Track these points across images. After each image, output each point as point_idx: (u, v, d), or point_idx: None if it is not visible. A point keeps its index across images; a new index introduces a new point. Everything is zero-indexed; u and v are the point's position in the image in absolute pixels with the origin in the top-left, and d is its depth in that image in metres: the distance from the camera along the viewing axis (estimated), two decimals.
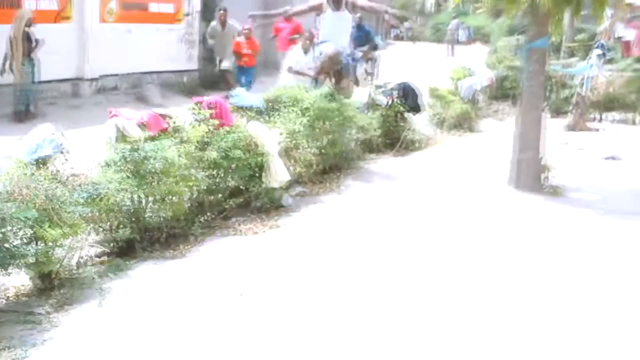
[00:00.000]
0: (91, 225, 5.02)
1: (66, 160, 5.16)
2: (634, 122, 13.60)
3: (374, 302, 4.77)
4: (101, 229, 5.28)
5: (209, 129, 6.28)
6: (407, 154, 9.88)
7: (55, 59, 12.01)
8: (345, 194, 7.61)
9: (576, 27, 17.67)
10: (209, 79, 15.56)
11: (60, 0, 12.81)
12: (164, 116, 6.23)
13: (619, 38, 16.85)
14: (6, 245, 4.26)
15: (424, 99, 10.94)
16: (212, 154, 6.15)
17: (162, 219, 5.67)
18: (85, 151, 5.45)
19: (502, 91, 15.15)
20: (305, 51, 9.63)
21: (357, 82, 8.94)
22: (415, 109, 10.54)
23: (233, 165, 6.44)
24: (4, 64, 10.85)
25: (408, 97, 10.32)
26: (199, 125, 6.26)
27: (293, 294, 4.88)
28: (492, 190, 7.89)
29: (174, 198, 5.67)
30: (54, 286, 4.65)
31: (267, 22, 9.76)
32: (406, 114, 10.28)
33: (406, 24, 45.90)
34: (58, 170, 5.04)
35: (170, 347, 4.03)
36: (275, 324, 4.39)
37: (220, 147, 6.27)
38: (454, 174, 8.66)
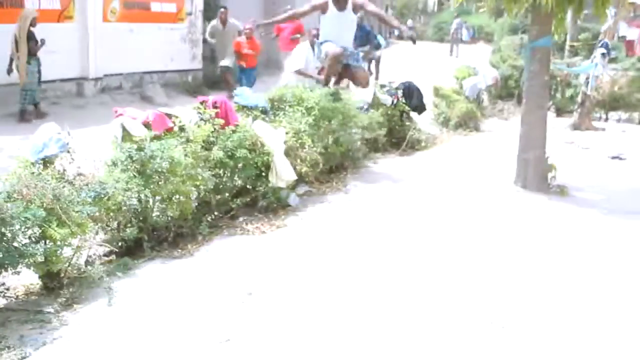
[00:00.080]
0: (98, 224, 5.02)
1: (72, 159, 5.16)
2: (639, 122, 13.61)
3: (381, 301, 4.77)
4: (108, 228, 5.28)
5: (214, 129, 6.28)
6: (412, 154, 9.88)
7: (59, 58, 12.05)
8: (351, 194, 7.61)
9: (579, 26, 17.69)
10: (213, 79, 15.60)
11: (62, 0, 12.83)
12: (169, 115, 6.22)
13: (622, 37, 16.86)
14: (14, 244, 4.26)
15: (425, 99, 10.94)
16: (217, 153, 6.15)
17: (169, 218, 5.67)
18: (90, 150, 5.45)
19: (507, 90, 15.20)
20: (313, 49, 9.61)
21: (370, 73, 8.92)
22: (419, 108, 10.56)
23: (239, 165, 6.44)
24: (10, 64, 10.87)
25: (412, 97, 10.33)
26: (204, 124, 6.26)
27: (302, 293, 4.87)
28: (499, 190, 7.88)
29: (180, 197, 5.67)
30: (62, 285, 4.65)
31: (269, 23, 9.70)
32: (410, 114, 10.29)
33: (409, 23, 45.93)
34: (65, 170, 5.05)
35: (180, 346, 4.03)
36: (285, 323, 4.39)
37: (226, 147, 6.26)
38: (460, 174, 8.66)
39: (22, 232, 4.34)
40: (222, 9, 14.70)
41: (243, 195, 6.58)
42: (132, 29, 14.30)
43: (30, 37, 10.96)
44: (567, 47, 16.91)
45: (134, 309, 4.50)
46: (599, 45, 12.82)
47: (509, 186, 8.02)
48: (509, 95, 15.20)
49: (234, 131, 6.47)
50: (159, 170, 5.41)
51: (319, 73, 9.35)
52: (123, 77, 14.37)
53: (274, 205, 6.78)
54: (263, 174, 6.68)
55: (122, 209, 5.20)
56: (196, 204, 6.03)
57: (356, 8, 8.00)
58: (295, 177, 6.93)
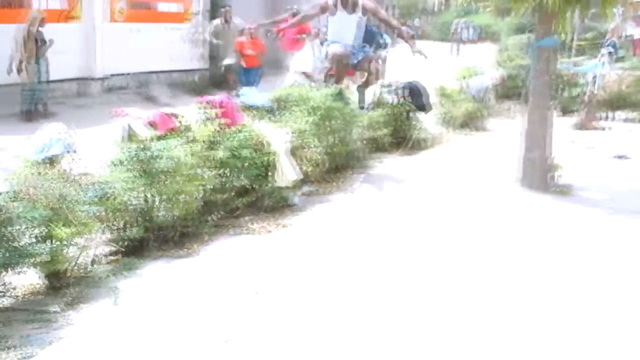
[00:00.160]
0: (104, 224, 5.04)
1: (77, 159, 5.18)
2: None
3: (386, 300, 4.78)
4: (113, 228, 5.30)
5: (218, 128, 6.29)
6: (415, 153, 9.87)
7: (64, 58, 12.09)
8: (355, 193, 7.61)
9: (585, 26, 17.63)
10: (217, 78, 15.61)
11: (69, 0, 12.87)
12: (172, 115, 6.25)
13: (629, 36, 16.82)
14: (20, 244, 4.29)
15: (431, 98, 10.92)
16: (220, 153, 6.17)
17: (174, 217, 5.68)
18: (93, 150, 5.47)
19: (511, 90, 15.14)
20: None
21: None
22: (423, 108, 10.54)
23: (242, 165, 6.46)
24: (10, 64, 10.90)
25: (416, 96, 10.31)
26: (208, 124, 6.27)
27: (308, 292, 4.88)
28: (501, 190, 7.87)
29: (184, 197, 5.68)
30: (67, 284, 4.67)
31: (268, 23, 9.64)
32: (414, 113, 10.28)
33: (415, 23, 45.80)
34: (70, 169, 5.07)
35: (185, 346, 4.05)
36: (291, 322, 4.40)
37: (229, 147, 6.28)
38: (463, 173, 8.65)
39: (28, 231, 4.37)
40: (226, 8, 14.70)
41: (248, 195, 6.60)
42: (138, 29, 14.34)
43: (37, 37, 11.00)
44: (573, 47, 16.87)
45: (139, 309, 4.52)
46: (606, 44, 12.79)
47: (512, 186, 8.01)
48: (513, 94, 15.15)
49: (238, 131, 6.48)
50: (164, 169, 5.43)
51: (326, 73, 9.35)
52: (129, 77, 14.40)
53: (278, 204, 6.79)
54: (265, 173, 6.70)
55: (127, 209, 5.23)
56: (201, 203, 6.04)
57: (366, 11, 7.95)
58: (300, 177, 6.94)
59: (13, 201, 4.30)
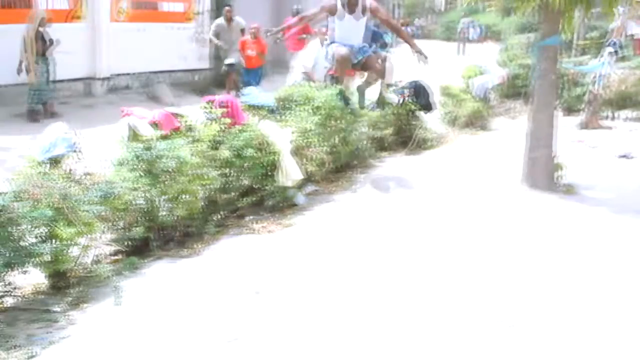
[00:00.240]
0: (106, 223, 5.04)
1: (81, 159, 5.19)
2: None
3: (388, 300, 4.77)
4: (116, 228, 5.29)
5: (222, 128, 6.29)
6: (419, 153, 9.86)
7: (68, 58, 12.09)
8: (358, 193, 7.61)
9: (588, 25, 17.58)
10: (220, 78, 15.60)
11: (72, 0, 12.89)
12: (176, 115, 6.24)
13: (631, 36, 16.76)
14: (20, 244, 4.29)
15: (435, 97, 10.91)
16: (224, 152, 6.17)
17: (176, 217, 5.69)
18: (98, 150, 5.48)
19: (515, 89, 15.13)
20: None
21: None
22: (427, 107, 10.53)
23: (246, 164, 6.46)
24: (21, 64, 10.93)
25: (420, 96, 10.30)
26: (212, 124, 6.27)
27: (309, 292, 4.88)
28: (506, 189, 7.86)
29: (187, 197, 5.69)
30: (70, 284, 4.68)
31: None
32: (418, 113, 10.28)
33: (417, 22, 45.82)
34: (73, 169, 5.07)
35: (187, 346, 4.05)
36: (293, 322, 4.40)
37: (233, 146, 6.28)
38: (467, 173, 8.64)
39: (30, 231, 4.38)
40: (227, 7, 14.69)
41: (250, 195, 6.60)
42: (141, 29, 14.35)
43: (40, 37, 11.02)
44: (575, 46, 16.83)
45: (142, 308, 4.52)
46: (608, 44, 12.75)
47: (516, 185, 7.99)
48: (517, 94, 15.14)
49: (241, 130, 6.48)
50: (167, 169, 5.43)
51: (328, 73, 9.34)
52: (131, 77, 14.42)
53: (281, 204, 6.80)
54: (269, 173, 6.70)
55: (129, 209, 5.23)
56: (203, 203, 6.05)
57: (367, 11, 7.92)
58: (303, 177, 6.94)
59: (16, 201, 4.30)
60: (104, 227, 5.03)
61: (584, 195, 7.77)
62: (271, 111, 7.40)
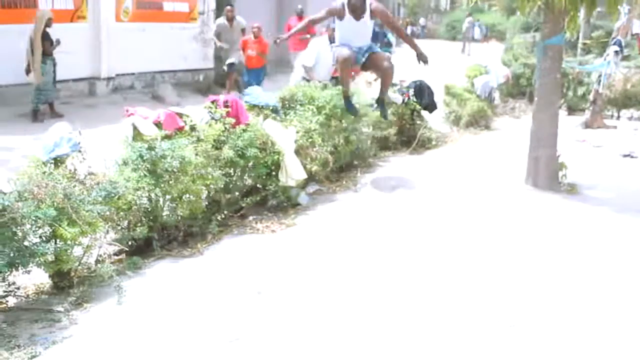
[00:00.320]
0: (109, 223, 5.03)
1: (84, 159, 5.19)
2: None
3: (390, 300, 4.77)
4: (119, 228, 5.30)
5: (225, 128, 6.29)
6: (423, 152, 9.87)
7: (71, 58, 12.12)
8: (361, 193, 7.61)
9: (592, 24, 17.58)
10: (222, 78, 15.62)
11: (75, 0, 12.91)
12: (179, 115, 6.24)
13: (636, 35, 16.73)
14: (25, 243, 4.30)
15: (437, 97, 10.90)
16: (228, 152, 6.16)
17: (179, 217, 5.69)
18: (101, 150, 5.48)
19: (518, 88, 15.14)
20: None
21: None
22: (431, 107, 10.53)
23: (249, 164, 6.47)
24: (28, 64, 10.95)
25: (423, 95, 10.30)
26: (215, 123, 6.27)
27: (312, 292, 4.88)
28: (509, 189, 7.86)
29: (190, 196, 5.69)
30: (72, 284, 4.68)
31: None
32: (422, 112, 10.28)
33: (421, 22, 45.83)
34: (76, 169, 5.08)
35: (189, 345, 4.05)
36: (295, 322, 4.40)
37: (236, 146, 6.28)
38: (471, 172, 8.63)
39: (33, 231, 4.38)
40: (228, 7, 14.68)
41: (253, 194, 6.61)
42: (144, 29, 14.36)
43: (46, 37, 11.04)
44: (579, 45, 16.82)
45: (144, 308, 4.52)
46: (612, 43, 12.74)
47: (519, 185, 7.99)
48: (520, 93, 15.15)
49: (244, 130, 6.48)
50: (170, 169, 5.43)
51: (332, 75, 9.33)
52: (135, 77, 14.44)
53: (284, 204, 6.80)
54: (273, 173, 6.71)
55: (132, 208, 5.23)
56: (206, 203, 6.05)
57: (375, 14, 7.89)
58: (306, 176, 6.94)
59: (19, 201, 4.31)
60: (107, 227, 5.03)
61: (587, 194, 7.77)
62: (274, 111, 7.39)
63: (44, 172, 4.74)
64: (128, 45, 13.74)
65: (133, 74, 14.33)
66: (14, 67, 10.91)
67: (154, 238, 5.50)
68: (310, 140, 7.20)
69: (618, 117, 13.75)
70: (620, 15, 12.19)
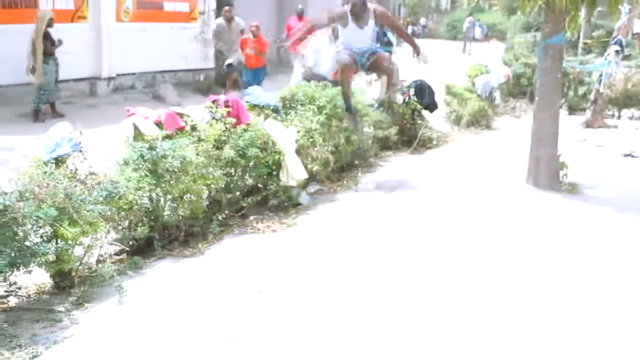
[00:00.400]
0: (110, 223, 5.04)
1: (85, 159, 5.19)
2: None
3: (391, 300, 4.77)
4: (120, 227, 5.30)
5: (226, 128, 6.29)
6: (423, 152, 9.87)
7: (72, 58, 12.11)
8: (362, 192, 7.61)
9: (593, 24, 17.56)
10: (223, 78, 15.61)
11: (76, 0, 12.91)
12: (180, 115, 6.25)
13: (636, 34, 16.73)
14: (26, 243, 4.30)
15: (437, 96, 10.91)
16: (229, 152, 6.17)
17: (180, 217, 5.69)
18: (102, 150, 5.48)
19: (519, 88, 15.15)
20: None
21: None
22: (431, 106, 10.54)
23: (250, 164, 6.47)
24: (30, 63, 10.95)
25: (424, 95, 10.31)
26: (216, 123, 6.27)
27: (312, 292, 4.88)
28: (510, 188, 7.85)
29: (191, 196, 5.69)
30: (73, 284, 4.68)
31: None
32: (422, 112, 10.28)
33: (422, 21, 45.81)
34: (77, 169, 5.08)
35: (190, 345, 4.05)
36: (295, 322, 4.39)
37: (237, 146, 6.28)
38: (472, 172, 8.64)
39: (34, 231, 4.38)
40: (226, 7, 14.66)
41: (254, 194, 6.61)
42: (145, 29, 14.37)
43: (47, 37, 11.05)
44: (580, 45, 16.81)
45: (145, 308, 4.52)
46: (613, 42, 12.74)
47: (520, 184, 7.99)
48: (521, 93, 15.16)
49: (245, 130, 6.48)
50: (171, 169, 5.43)
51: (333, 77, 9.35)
52: (135, 77, 14.45)
53: (284, 204, 6.80)
54: (274, 172, 6.71)
55: (133, 208, 5.23)
56: (207, 202, 6.05)
57: (378, 19, 7.89)
58: (306, 176, 6.95)
59: (20, 201, 4.31)
60: (108, 227, 5.03)
61: (587, 194, 7.76)
62: (275, 110, 7.40)
63: (45, 172, 4.74)
64: (129, 45, 13.74)
65: (134, 73, 14.34)
66: (15, 67, 10.91)
67: (155, 238, 5.50)
68: (311, 140, 7.20)
69: (619, 117, 13.74)
70: (621, 15, 12.18)
